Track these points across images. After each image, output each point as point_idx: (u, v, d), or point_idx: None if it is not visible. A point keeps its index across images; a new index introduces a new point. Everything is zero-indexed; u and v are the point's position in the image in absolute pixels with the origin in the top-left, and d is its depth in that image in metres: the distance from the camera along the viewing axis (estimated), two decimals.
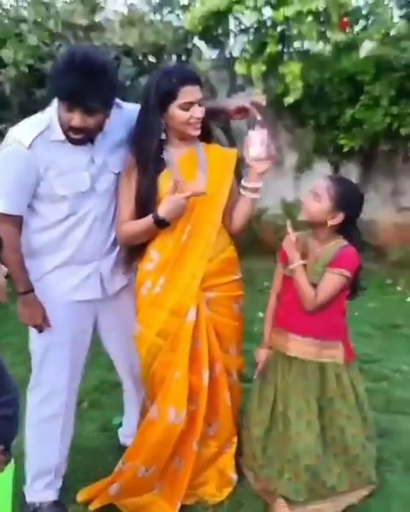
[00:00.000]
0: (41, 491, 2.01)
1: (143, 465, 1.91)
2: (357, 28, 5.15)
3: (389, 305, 4.24)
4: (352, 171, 5.71)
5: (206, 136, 2.00)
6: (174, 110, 1.84)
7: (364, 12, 4.97)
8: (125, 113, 1.95)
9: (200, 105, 1.86)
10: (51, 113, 1.82)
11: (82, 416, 2.57)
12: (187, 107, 1.84)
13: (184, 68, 2.01)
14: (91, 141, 1.86)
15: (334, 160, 5.61)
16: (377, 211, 5.64)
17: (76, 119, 1.73)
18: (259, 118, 1.98)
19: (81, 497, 2.03)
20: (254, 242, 5.72)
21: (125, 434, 2.31)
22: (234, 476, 2.07)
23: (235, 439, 2.08)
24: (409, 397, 2.74)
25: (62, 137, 1.81)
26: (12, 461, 1.44)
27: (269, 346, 2.03)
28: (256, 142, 1.91)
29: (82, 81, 1.67)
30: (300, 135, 5.81)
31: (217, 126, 5.92)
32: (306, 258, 1.91)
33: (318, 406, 1.92)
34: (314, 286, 1.87)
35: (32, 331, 2.00)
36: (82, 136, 1.80)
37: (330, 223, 1.85)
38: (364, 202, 4.48)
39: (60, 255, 1.90)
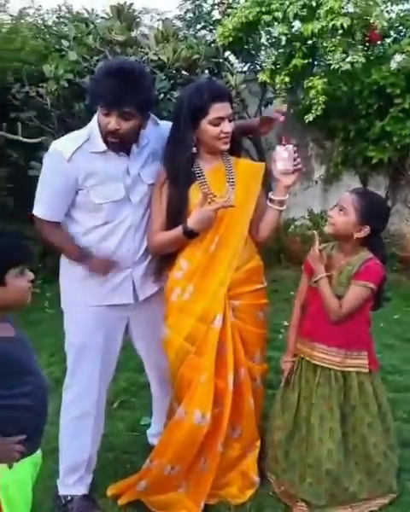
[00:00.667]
0: (72, 485, 2.11)
1: (170, 463, 2.00)
2: (388, 40, 5.18)
3: None
4: (380, 184, 5.72)
5: (235, 150, 2.10)
6: (205, 125, 1.95)
7: (395, 24, 5.00)
8: (161, 129, 2.07)
9: (230, 120, 1.96)
10: (92, 127, 1.96)
11: (112, 415, 2.69)
12: (217, 122, 1.94)
13: (215, 84, 2.11)
14: (127, 152, 1.98)
15: (362, 172, 5.63)
16: (406, 223, 5.64)
17: (112, 122, 1.85)
18: (281, 118, 2.07)
19: (110, 492, 2.14)
20: (281, 252, 5.78)
21: (153, 435, 2.40)
22: (256, 479, 2.14)
23: (258, 443, 2.15)
24: None
25: (102, 148, 1.94)
26: (38, 454, 1.50)
27: (294, 355, 2.10)
28: (283, 156, 1.99)
29: (117, 86, 1.81)
30: (328, 147, 5.87)
31: (248, 139, 6.05)
32: (330, 269, 1.98)
33: (340, 414, 1.97)
34: (339, 297, 1.94)
35: (68, 334, 2.11)
36: (118, 141, 1.91)
37: (355, 236, 1.91)
38: (391, 214, 4.50)
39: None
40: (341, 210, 1.92)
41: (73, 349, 2.09)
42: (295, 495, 2.02)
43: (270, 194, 2.07)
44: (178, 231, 1.94)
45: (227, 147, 2.01)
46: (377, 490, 2.02)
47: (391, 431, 2.08)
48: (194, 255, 2.00)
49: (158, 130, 2.06)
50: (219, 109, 1.92)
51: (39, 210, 1.99)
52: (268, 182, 2.16)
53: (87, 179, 1.93)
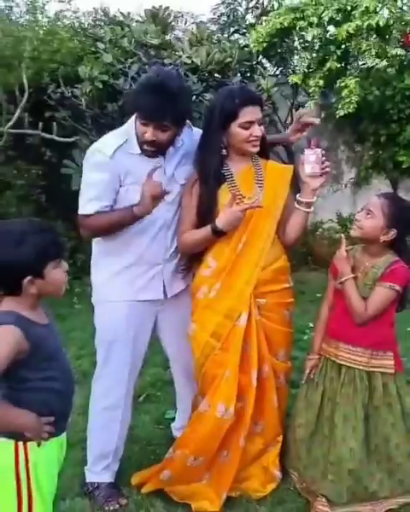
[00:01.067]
0: (100, 472, 2.19)
1: (192, 454, 2.06)
2: None
3: None
4: None
5: (264, 153, 2.16)
6: (235, 129, 2.01)
7: None
8: (195, 133, 2.15)
9: (259, 124, 2.02)
10: (129, 129, 2.04)
11: (138, 409, 2.77)
12: (247, 126, 2.00)
13: (246, 89, 2.18)
14: (163, 154, 2.06)
15: (392, 176, 5.62)
16: None
17: (149, 133, 1.94)
18: (317, 121, 2.10)
19: (135, 480, 2.21)
20: (309, 255, 5.80)
21: (177, 428, 2.46)
22: (278, 473, 2.18)
23: (280, 438, 2.20)
24: None
25: (138, 151, 2.02)
26: (63, 436, 1.59)
27: (318, 354, 2.14)
28: (311, 159, 2.03)
29: (157, 101, 1.89)
30: (359, 151, 5.87)
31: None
32: (356, 271, 2.01)
33: (364, 413, 2.00)
34: (364, 299, 1.97)
35: (99, 328, 2.18)
36: (154, 150, 2.01)
37: (382, 239, 1.94)
38: None
39: (128, 256, 2.08)
40: (368, 213, 1.95)
41: (105, 343, 2.15)
42: (316, 491, 2.06)
43: (297, 197, 2.11)
44: (206, 230, 2.01)
45: (257, 149, 2.07)
46: (397, 489, 2.04)
47: None
48: (222, 254, 2.06)
49: (192, 134, 2.14)
50: (250, 113, 1.98)
51: (87, 208, 2.01)
52: (296, 184, 2.19)
53: (127, 177, 2.01)
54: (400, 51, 4.54)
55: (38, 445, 1.45)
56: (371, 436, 2.01)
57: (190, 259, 2.14)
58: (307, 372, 2.15)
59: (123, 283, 2.10)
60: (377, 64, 4.59)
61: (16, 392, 1.43)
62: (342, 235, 2.10)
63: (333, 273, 2.09)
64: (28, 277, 1.41)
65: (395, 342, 2.06)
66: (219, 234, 2.00)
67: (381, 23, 4.43)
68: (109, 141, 2.05)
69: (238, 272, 2.05)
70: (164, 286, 2.14)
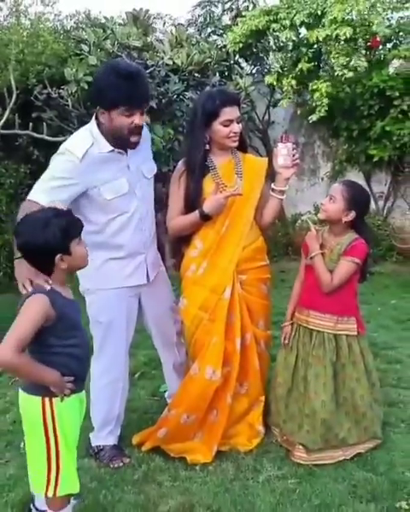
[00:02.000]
0: (105, 436, 2.44)
1: (185, 412, 2.34)
2: (389, 45, 5.47)
3: None
4: (382, 180, 6.03)
5: (242, 147, 2.44)
6: (217, 126, 2.29)
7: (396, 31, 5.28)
8: (147, 131, 2.37)
9: (238, 122, 2.30)
10: (91, 130, 2.17)
11: (135, 384, 3.06)
12: (227, 123, 2.28)
13: (226, 91, 2.45)
14: (125, 150, 2.23)
15: (365, 169, 5.94)
16: (406, 217, 5.94)
17: (137, 119, 2.11)
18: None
19: (135, 440, 2.49)
20: (289, 246, 6.11)
21: (169, 396, 2.73)
22: (262, 429, 2.48)
23: (262, 398, 2.49)
24: None
25: (108, 149, 2.17)
26: (83, 393, 1.86)
27: (291, 322, 2.44)
28: (283, 152, 2.33)
29: (134, 87, 2.07)
30: (333, 145, 6.17)
31: (258, 138, 6.37)
32: (323, 248, 2.31)
33: (333, 371, 2.30)
34: (331, 272, 2.27)
35: (93, 314, 2.35)
36: (139, 136, 2.15)
37: (344, 219, 2.25)
38: (392, 209, 4.90)
39: (115, 249, 2.28)
40: (331, 198, 2.25)
41: (102, 326, 2.35)
42: (294, 441, 2.35)
43: (272, 185, 2.40)
44: (194, 215, 2.29)
45: (236, 144, 2.35)
46: (363, 436, 2.35)
47: (376, 387, 2.41)
48: (207, 236, 2.35)
49: (147, 134, 2.35)
50: (229, 112, 2.26)
51: (38, 196, 2.04)
52: (272, 174, 2.47)
53: (96, 178, 2.15)
54: (363, 63, 4.81)
55: (61, 400, 1.73)
56: (340, 390, 2.31)
57: (179, 242, 2.42)
58: (282, 338, 2.45)
59: (112, 272, 2.31)
60: (344, 74, 4.86)
61: (43, 356, 1.69)
62: (306, 218, 2.40)
63: (304, 251, 2.39)
64: (58, 255, 1.66)
65: (358, 309, 2.38)
66: (205, 218, 2.28)
67: (348, 34, 4.72)
68: (80, 142, 2.13)
69: (222, 252, 2.34)
70: (147, 271, 2.39)
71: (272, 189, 2.40)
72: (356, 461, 2.33)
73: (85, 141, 2.14)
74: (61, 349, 1.72)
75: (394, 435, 2.50)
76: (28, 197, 2.11)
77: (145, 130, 2.30)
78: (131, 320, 2.42)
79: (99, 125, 2.19)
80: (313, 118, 5.16)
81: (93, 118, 2.21)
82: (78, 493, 1.89)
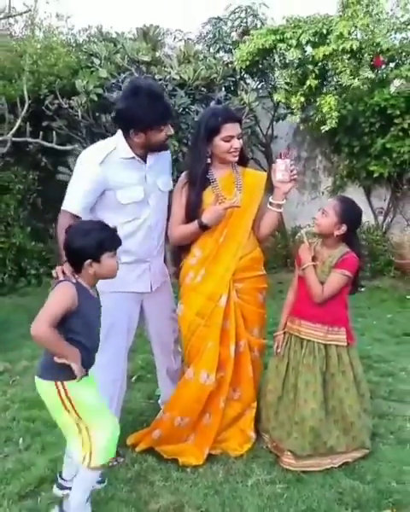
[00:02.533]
0: None
1: (180, 415, 2.42)
2: (391, 65, 5.61)
3: (406, 317, 4.61)
4: (382, 195, 6.13)
5: (242, 162, 2.55)
6: (218, 142, 2.40)
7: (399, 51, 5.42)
8: (169, 153, 2.57)
9: (238, 138, 2.41)
10: (117, 140, 2.36)
11: (132, 387, 3.14)
12: (228, 139, 2.39)
13: (228, 109, 2.57)
14: (145, 160, 2.40)
15: (366, 184, 6.05)
16: (404, 233, 6.03)
17: (169, 129, 2.33)
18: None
19: (130, 441, 2.56)
20: (288, 257, 6.20)
21: (162, 402, 2.81)
22: (253, 435, 2.55)
23: (254, 404, 2.56)
24: (409, 389, 3.15)
25: (129, 155, 2.34)
26: (91, 376, 2.04)
27: (284, 331, 2.52)
28: (281, 168, 2.43)
29: (162, 104, 2.29)
30: (335, 161, 6.29)
31: (260, 151, 6.49)
32: (316, 261, 2.40)
33: (322, 380, 2.38)
34: (322, 283, 2.36)
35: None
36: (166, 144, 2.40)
37: (336, 233, 2.34)
38: (391, 225, 4.98)
39: (124, 255, 2.35)
40: (323, 213, 2.35)
41: (103, 328, 2.36)
42: (283, 448, 2.42)
43: (270, 199, 2.50)
44: (194, 225, 2.39)
45: (236, 159, 2.46)
46: (352, 445, 2.41)
47: (366, 397, 2.48)
48: (206, 245, 2.45)
49: (167, 153, 2.53)
50: (230, 129, 2.37)
51: (68, 204, 2.29)
52: (271, 188, 2.56)
53: (113, 182, 2.32)
54: (370, 74, 4.97)
55: (78, 381, 1.92)
56: (329, 399, 2.39)
57: (179, 250, 2.52)
58: (275, 346, 2.53)
59: (117, 278, 2.33)
60: (352, 84, 5.00)
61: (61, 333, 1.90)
62: (302, 231, 2.51)
63: (297, 263, 2.49)
64: (88, 260, 1.94)
65: (348, 320, 2.46)
66: (204, 228, 2.38)
67: (354, 47, 4.87)
68: (100, 149, 2.35)
69: (220, 261, 2.44)
70: (151, 280, 2.50)
71: (270, 203, 2.50)
72: (344, 469, 2.39)
73: (107, 147, 2.33)
74: (75, 336, 1.94)
75: (382, 446, 2.56)
76: (62, 207, 2.33)
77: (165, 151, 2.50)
78: (131, 324, 2.52)
79: (126, 138, 2.35)
80: (326, 128, 5.26)
81: (120, 133, 2.37)
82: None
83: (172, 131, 2.33)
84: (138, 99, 2.26)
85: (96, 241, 1.94)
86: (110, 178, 2.31)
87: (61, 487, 2.22)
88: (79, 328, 1.94)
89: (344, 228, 2.33)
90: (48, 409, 2.03)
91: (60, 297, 1.90)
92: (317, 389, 2.37)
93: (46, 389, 1.97)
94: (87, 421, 1.98)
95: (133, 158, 2.36)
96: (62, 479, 2.22)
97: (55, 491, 2.23)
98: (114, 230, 2.02)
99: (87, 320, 1.98)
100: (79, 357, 1.91)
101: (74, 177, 2.37)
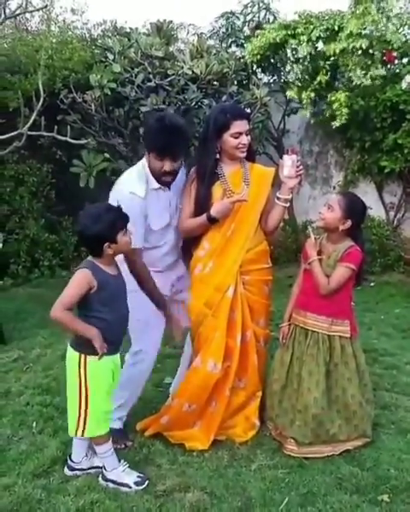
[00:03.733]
0: (114, 420, 2.57)
1: (187, 402, 2.51)
2: (405, 60, 5.60)
3: None
4: (394, 191, 6.15)
5: (250, 157, 2.61)
6: (227, 138, 2.46)
7: None
8: (184, 171, 2.62)
9: (247, 135, 2.47)
10: (145, 169, 2.46)
11: None
12: (237, 136, 2.46)
13: (237, 107, 2.65)
14: (168, 187, 2.52)
15: (377, 179, 6.07)
16: None
17: (167, 165, 2.40)
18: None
19: (139, 426, 2.67)
20: (298, 251, 6.22)
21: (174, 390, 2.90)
22: (257, 422, 2.63)
23: (259, 393, 2.65)
24: None
25: (157, 186, 2.47)
26: (117, 356, 2.25)
27: (289, 323, 2.60)
28: (288, 164, 2.49)
29: (171, 139, 2.35)
30: (347, 155, 6.31)
31: (272, 146, 6.53)
32: (322, 255, 2.47)
33: (325, 370, 2.45)
34: (328, 276, 2.42)
35: (132, 311, 2.40)
36: (171, 178, 2.47)
37: (341, 228, 2.40)
38: (403, 221, 5.01)
39: (151, 266, 2.50)
40: (329, 208, 2.41)
41: (139, 323, 2.51)
42: (286, 435, 2.50)
43: (277, 194, 2.56)
44: (203, 218, 2.47)
45: (244, 155, 2.52)
46: (353, 433, 2.49)
47: (368, 387, 2.55)
48: (214, 238, 2.52)
49: (182, 173, 2.59)
50: (239, 125, 2.44)
51: (139, 243, 2.38)
52: (279, 183, 2.62)
53: (149, 211, 2.44)
54: (381, 72, 4.98)
55: (99, 359, 2.10)
56: (332, 388, 2.46)
57: (189, 243, 2.60)
58: (280, 337, 2.60)
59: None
60: (362, 83, 5.02)
61: (85, 318, 2.13)
62: (309, 226, 2.56)
63: (304, 257, 2.55)
64: (107, 244, 2.08)
65: (352, 312, 2.52)
66: (212, 221, 2.46)
67: (364, 46, 4.88)
68: (138, 182, 2.42)
69: (227, 253, 2.51)
70: (170, 286, 2.62)
71: (277, 198, 2.56)
72: (344, 456, 2.47)
73: (142, 180, 2.44)
74: (99, 314, 2.13)
75: (383, 435, 2.63)
76: (132, 246, 2.31)
77: (182, 172, 2.59)
78: (162, 318, 2.63)
79: (148, 164, 2.47)
80: (336, 123, 5.29)
81: (146, 162, 2.49)
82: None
83: (168, 169, 2.38)
84: (153, 124, 2.44)
85: (109, 225, 2.07)
86: (148, 209, 2.44)
87: (72, 469, 2.35)
88: (102, 304, 2.13)
89: (349, 223, 2.38)
90: (67, 373, 2.24)
91: (75, 284, 2.09)
92: (320, 379, 2.44)
93: (70, 357, 2.21)
94: (91, 398, 2.17)
95: (160, 188, 2.48)
96: (72, 461, 2.35)
97: (66, 471, 2.36)
98: (120, 208, 2.13)
99: (109, 295, 2.15)
100: (97, 335, 2.08)
101: (132, 215, 2.28)
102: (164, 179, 2.45)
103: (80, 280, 2.09)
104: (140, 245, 2.43)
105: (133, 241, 2.36)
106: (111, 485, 2.26)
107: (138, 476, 2.27)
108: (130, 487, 2.23)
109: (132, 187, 2.41)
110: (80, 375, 2.16)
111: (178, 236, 2.62)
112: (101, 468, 2.32)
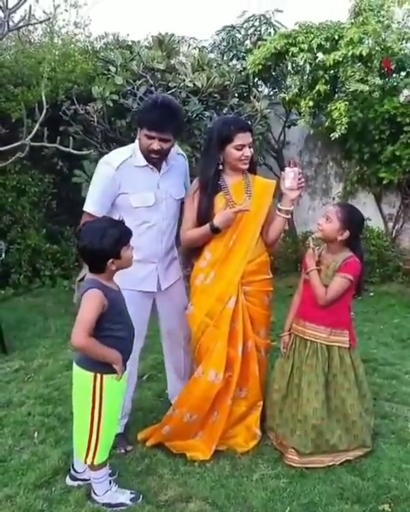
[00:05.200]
0: None
1: (189, 412, 2.52)
2: (402, 73, 5.68)
3: None
4: (392, 202, 6.20)
5: (252, 169, 2.65)
6: (230, 150, 2.51)
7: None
8: (182, 160, 2.68)
9: (249, 147, 2.52)
10: (134, 147, 2.52)
11: (142, 386, 3.25)
12: (240, 148, 2.50)
13: (240, 119, 2.70)
14: (158, 169, 2.54)
15: (376, 191, 6.12)
16: None
17: (155, 144, 2.42)
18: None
19: (140, 436, 2.68)
20: (299, 261, 6.26)
21: (172, 398, 2.91)
22: (259, 432, 2.65)
23: (260, 403, 2.66)
24: None
25: (143, 163, 2.49)
26: (127, 371, 2.17)
27: (289, 332, 2.62)
28: (290, 176, 2.53)
29: (161, 115, 2.39)
30: (346, 167, 6.37)
31: (272, 157, 6.58)
32: (321, 265, 2.50)
33: (325, 380, 2.47)
34: (326, 287, 2.45)
35: None
36: (158, 157, 2.49)
37: (339, 238, 2.44)
38: (401, 232, 5.04)
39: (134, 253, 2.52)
40: (327, 219, 2.45)
41: None
42: (287, 445, 2.52)
43: (278, 205, 2.60)
44: (206, 228, 2.50)
45: (246, 167, 2.57)
46: (353, 443, 2.50)
47: (367, 397, 2.57)
48: (216, 248, 2.56)
49: (181, 160, 2.65)
50: (242, 138, 2.48)
51: (89, 206, 2.49)
52: (280, 195, 2.66)
53: (127, 187, 2.46)
54: (378, 80, 5.05)
55: (118, 380, 2.05)
56: (332, 398, 2.48)
57: (190, 253, 2.64)
58: (282, 347, 2.62)
59: (125, 274, 2.44)
60: (359, 88, 5.09)
61: (102, 339, 2.03)
62: (310, 237, 2.60)
63: (303, 267, 2.58)
64: (111, 260, 2.03)
65: (351, 323, 2.55)
66: (215, 231, 2.49)
67: (364, 53, 4.96)
68: (117, 155, 2.52)
69: (229, 264, 2.54)
70: (158, 280, 2.61)
71: (279, 209, 2.60)
72: (345, 466, 2.49)
73: (124, 154, 2.49)
74: (112, 332, 2.06)
75: (384, 445, 2.65)
76: (83, 208, 2.52)
77: (181, 160, 2.64)
78: (143, 321, 2.63)
79: (138, 142, 2.51)
80: (336, 135, 5.34)
81: (137, 142, 2.53)
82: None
83: (156, 147, 2.40)
84: (152, 101, 2.51)
85: (114, 241, 2.02)
86: (124, 183, 2.45)
87: (74, 479, 2.35)
88: (114, 322, 2.06)
89: (347, 233, 2.42)
90: (74, 397, 2.14)
91: (90, 306, 2.00)
92: (319, 389, 2.46)
93: (82, 379, 2.08)
94: (104, 421, 2.08)
95: (146, 166, 2.50)
96: (75, 470, 2.35)
97: (68, 481, 2.35)
98: (123, 222, 2.12)
99: (119, 311, 2.11)
100: (120, 358, 2.04)
101: (93, 179, 2.54)
102: (152, 157, 2.46)
103: (95, 301, 2.00)
104: (88, 209, 2.48)
105: (86, 205, 2.48)
106: (109, 510, 2.18)
107: (131, 493, 2.23)
108: (126, 505, 2.19)
109: (110, 157, 2.49)
110: (95, 396, 2.04)
111: (170, 227, 2.60)
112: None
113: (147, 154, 2.46)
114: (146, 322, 2.69)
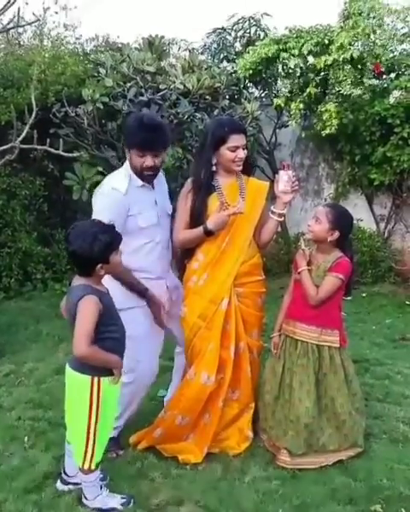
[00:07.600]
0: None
1: (180, 414, 2.51)
2: (392, 75, 5.71)
3: (404, 322, 4.70)
4: (383, 203, 6.22)
5: (246, 171, 2.64)
6: (224, 151, 2.50)
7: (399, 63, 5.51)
8: (163, 177, 2.69)
9: (243, 149, 2.51)
10: (127, 168, 2.52)
11: None
12: (234, 149, 2.49)
13: (234, 121, 2.70)
14: (153, 186, 2.55)
15: (367, 192, 6.15)
16: (404, 240, 6.11)
17: (148, 160, 2.43)
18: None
19: (132, 439, 2.66)
20: (290, 262, 6.23)
21: (167, 401, 2.90)
22: (250, 434, 2.64)
23: (253, 405, 2.65)
24: (404, 392, 3.24)
25: (141, 183, 2.50)
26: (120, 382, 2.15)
27: (280, 333, 2.61)
28: (284, 179, 2.53)
29: (150, 135, 2.41)
30: (337, 168, 6.38)
31: (264, 159, 6.59)
32: (311, 265, 2.50)
33: (315, 379, 2.47)
34: (317, 286, 2.45)
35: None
36: (153, 173, 2.50)
37: (329, 239, 2.44)
38: (392, 232, 5.05)
39: (146, 272, 2.51)
40: (316, 220, 2.45)
41: (135, 340, 2.36)
42: (279, 446, 2.51)
43: (272, 208, 2.60)
44: (199, 230, 2.49)
45: (240, 168, 2.56)
46: (344, 443, 2.50)
47: (358, 397, 2.57)
48: (209, 250, 2.55)
49: (160, 174, 2.63)
50: (236, 139, 2.48)
51: None
52: (274, 197, 2.65)
53: (135, 208, 2.46)
54: (373, 81, 5.08)
55: (116, 383, 2.05)
56: (322, 398, 2.48)
57: (183, 254, 2.63)
58: (272, 348, 2.62)
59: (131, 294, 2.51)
60: (352, 93, 5.11)
61: (98, 342, 2.00)
62: (302, 237, 2.60)
63: (294, 267, 2.58)
64: (100, 265, 2.01)
65: (341, 323, 2.55)
66: (208, 233, 2.48)
67: (355, 56, 4.99)
68: (121, 179, 2.48)
69: (222, 266, 2.54)
70: (170, 294, 2.62)
71: (272, 212, 2.59)
72: (337, 467, 2.48)
73: (125, 178, 2.48)
74: (108, 334, 2.06)
75: (375, 445, 2.65)
76: None
77: (161, 175, 2.63)
78: (159, 332, 2.63)
79: (130, 163, 2.51)
80: (326, 131, 5.37)
81: (128, 164, 2.53)
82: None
83: (150, 164, 2.42)
84: (132, 122, 2.50)
85: (104, 246, 2.00)
86: (132, 205, 2.45)
87: (65, 482, 2.33)
88: (109, 325, 2.06)
89: (337, 234, 2.42)
90: (68, 401, 2.12)
91: (89, 314, 1.98)
92: (311, 389, 2.45)
93: (78, 383, 2.06)
94: (100, 426, 2.06)
95: (144, 186, 2.51)
96: (66, 474, 2.33)
97: (59, 485, 2.33)
98: (113, 227, 2.09)
99: (112, 313, 2.10)
100: (121, 363, 2.04)
101: (99, 207, 2.44)
102: (146, 174, 2.47)
103: (92, 308, 1.98)
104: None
105: None
106: None
107: (122, 497, 2.22)
108: (117, 510, 2.18)
109: (114, 183, 2.46)
110: (93, 399, 2.03)
111: (168, 240, 2.61)
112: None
113: (141, 172, 2.47)
114: (163, 332, 2.66)
